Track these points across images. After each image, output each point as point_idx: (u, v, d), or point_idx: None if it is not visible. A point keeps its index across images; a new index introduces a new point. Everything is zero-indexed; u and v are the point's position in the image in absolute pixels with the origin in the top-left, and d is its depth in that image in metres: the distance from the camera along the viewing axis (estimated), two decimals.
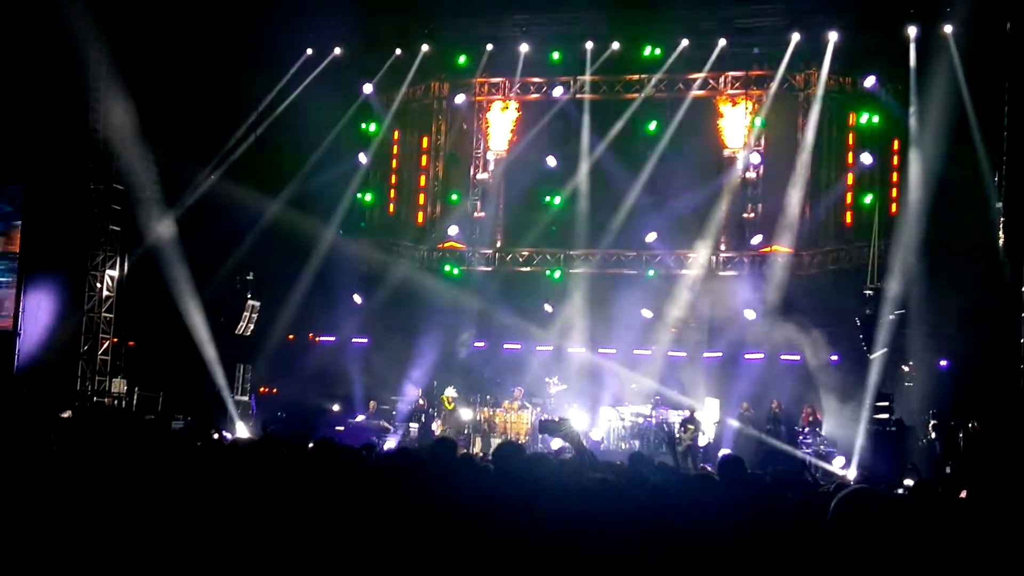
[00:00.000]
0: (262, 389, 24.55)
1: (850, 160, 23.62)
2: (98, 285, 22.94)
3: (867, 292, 21.14)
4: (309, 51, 24.75)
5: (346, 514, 5.06)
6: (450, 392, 22.24)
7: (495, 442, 20.65)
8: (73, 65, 20.40)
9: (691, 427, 20.24)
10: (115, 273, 23.12)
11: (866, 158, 23.07)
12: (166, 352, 22.18)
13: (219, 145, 23.47)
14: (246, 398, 23.52)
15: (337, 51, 24.86)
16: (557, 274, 24.89)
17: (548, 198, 24.79)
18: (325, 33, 24.67)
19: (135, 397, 22.19)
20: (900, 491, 10.35)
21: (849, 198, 23.67)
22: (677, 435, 20.00)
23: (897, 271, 20.27)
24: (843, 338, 21.34)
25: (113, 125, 21.65)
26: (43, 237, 22.89)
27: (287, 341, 24.42)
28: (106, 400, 22.03)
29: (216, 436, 14.68)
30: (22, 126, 21.35)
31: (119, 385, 22.46)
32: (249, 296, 23.77)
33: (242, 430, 20.82)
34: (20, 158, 22.26)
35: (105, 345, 22.92)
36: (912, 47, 21.67)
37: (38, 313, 22.85)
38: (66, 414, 17.70)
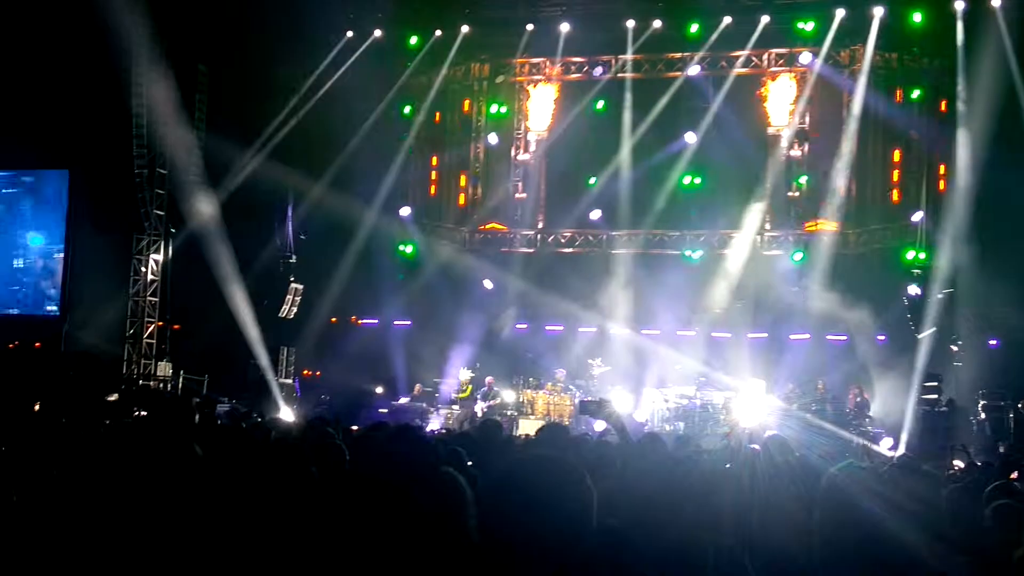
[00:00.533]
0: (305, 372, 24.70)
1: (896, 137, 23.27)
2: (143, 269, 23.13)
3: (915, 271, 20.86)
4: (350, 33, 24.71)
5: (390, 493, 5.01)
6: (464, 376, 22.15)
7: (529, 424, 20.53)
8: (116, 50, 20.48)
9: (736, 408, 20.04)
10: (160, 257, 23.29)
11: (912, 135, 22.73)
12: (210, 335, 22.31)
13: (261, 128, 23.52)
14: (290, 381, 23.68)
15: (377, 33, 24.82)
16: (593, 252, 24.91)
17: (590, 179, 24.64)
18: (365, 15, 24.68)
19: (180, 380, 22.38)
20: (950, 472, 10.19)
21: (895, 175, 23.34)
22: (721, 417, 19.86)
23: (945, 249, 19.97)
24: (890, 317, 21.08)
25: (156, 109, 21.77)
26: (88, 222, 23.08)
27: (330, 324, 24.51)
28: (152, 383, 22.23)
29: (260, 419, 14.77)
30: (66, 112, 21.49)
31: (164, 368, 22.64)
32: (292, 279, 23.89)
33: (286, 413, 20.91)
34: (65, 144, 22.44)
35: (150, 329, 23.12)
36: (959, 22, 21.25)
37: (84, 298, 23.09)
38: (113, 397, 17.94)
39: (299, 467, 5.65)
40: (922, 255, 21.34)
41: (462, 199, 26.60)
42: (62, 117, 21.58)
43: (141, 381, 22.25)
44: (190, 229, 22.14)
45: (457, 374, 22.50)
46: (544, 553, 4.75)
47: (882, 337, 21.10)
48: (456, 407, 21.88)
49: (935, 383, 18.76)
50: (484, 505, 4.59)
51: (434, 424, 20.62)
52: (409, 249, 25.27)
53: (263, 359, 22.27)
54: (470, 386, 22.03)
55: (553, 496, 5.17)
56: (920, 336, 19.64)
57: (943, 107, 22.15)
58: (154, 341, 23.12)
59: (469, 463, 6.79)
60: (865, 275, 22.30)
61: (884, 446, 18.03)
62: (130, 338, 22.99)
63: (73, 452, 5.67)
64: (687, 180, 23.70)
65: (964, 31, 21.14)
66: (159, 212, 23.10)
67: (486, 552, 4.34)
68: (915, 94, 22.86)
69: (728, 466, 7.92)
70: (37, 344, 22.49)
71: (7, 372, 20.54)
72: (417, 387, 22.59)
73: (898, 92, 23.27)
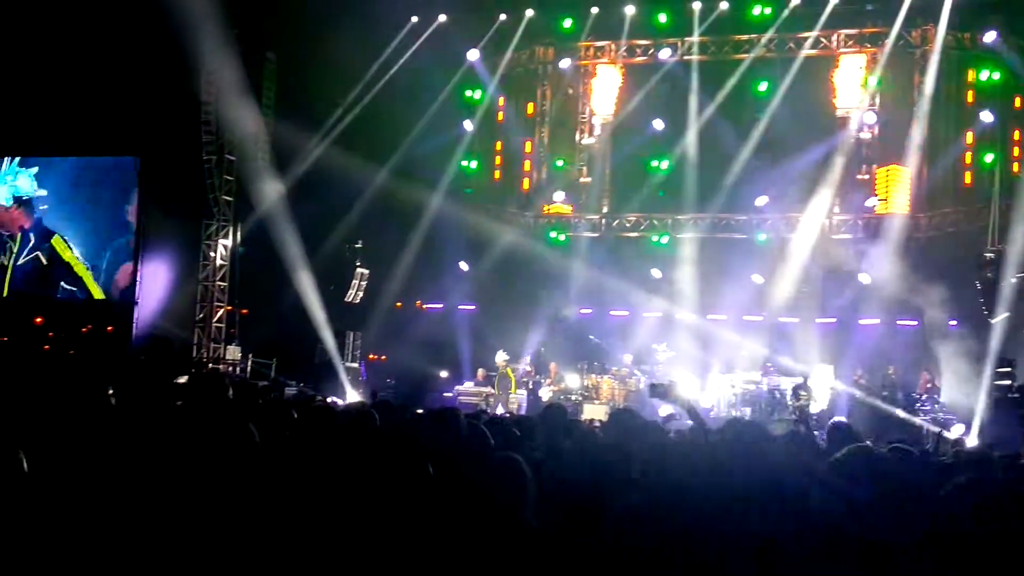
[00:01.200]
0: (371, 356, 24.87)
1: (969, 119, 22.76)
2: (212, 254, 23.44)
3: (988, 255, 20.44)
4: (414, 19, 24.75)
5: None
6: (500, 359, 22.03)
7: (594, 408, 20.41)
8: (185, 38, 20.71)
9: (804, 394, 19.81)
10: (228, 242, 23.59)
11: (986, 116, 22.19)
12: (278, 320, 22.56)
13: (328, 114, 23.68)
14: (356, 365, 23.86)
15: (442, 18, 24.83)
16: (665, 240, 24.56)
17: (656, 162, 24.48)
18: (429, 0, 24.72)
19: (249, 364, 22.68)
20: None
21: (968, 158, 22.84)
22: (789, 402, 19.63)
23: (1019, 233, 19.53)
24: (962, 302, 20.65)
25: (225, 97, 21.98)
26: (158, 208, 23.42)
27: (395, 308, 24.65)
28: (221, 367, 22.53)
29: (326, 401, 14.89)
30: (136, 100, 21.79)
31: (233, 352, 22.96)
32: (358, 264, 24.05)
33: (352, 396, 21.11)
34: (135, 131, 22.76)
35: (219, 313, 23.44)
36: None
37: (155, 283, 23.46)
38: (182, 380, 18.20)
39: (351, 449, 5.69)
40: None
41: (526, 183, 26.54)
42: (132, 105, 21.88)
43: (211, 365, 22.58)
44: (258, 215, 22.38)
45: (525, 359, 22.44)
46: (601, 538, 4.73)
47: (954, 322, 20.70)
48: (521, 391, 21.80)
49: (1008, 368, 18.37)
50: (546, 491, 4.58)
51: (499, 409, 20.64)
52: (475, 234, 25.30)
53: (330, 343, 22.48)
54: (508, 369, 21.88)
55: (612, 485, 5.14)
56: (993, 321, 19.24)
57: (1018, 86, 21.67)
58: (223, 325, 23.44)
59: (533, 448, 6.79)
60: (937, 259, 21.90)
61: (955, 432, 17.69)
62: (200, 322, 23.34)
63: (142, 432, 5.76)
64: (753, 163, 23.42)
65: None
66: (227, 198, 23.38)
67: (545, 536, 4.34)
68: (988, 74, 22.37)
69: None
70: (109, 328, 22.92)
71: (80, 356, 21.00)
72: (481, 371, 22.59)
73: (970, 72, 22.79)
